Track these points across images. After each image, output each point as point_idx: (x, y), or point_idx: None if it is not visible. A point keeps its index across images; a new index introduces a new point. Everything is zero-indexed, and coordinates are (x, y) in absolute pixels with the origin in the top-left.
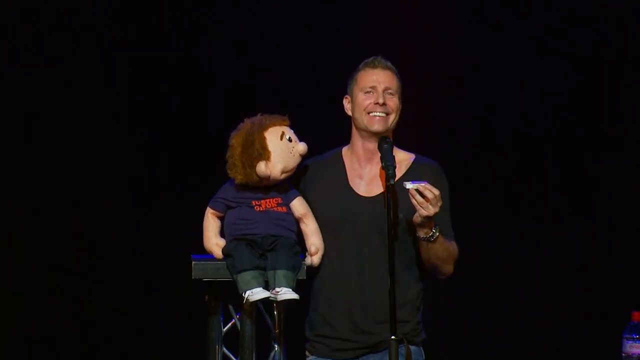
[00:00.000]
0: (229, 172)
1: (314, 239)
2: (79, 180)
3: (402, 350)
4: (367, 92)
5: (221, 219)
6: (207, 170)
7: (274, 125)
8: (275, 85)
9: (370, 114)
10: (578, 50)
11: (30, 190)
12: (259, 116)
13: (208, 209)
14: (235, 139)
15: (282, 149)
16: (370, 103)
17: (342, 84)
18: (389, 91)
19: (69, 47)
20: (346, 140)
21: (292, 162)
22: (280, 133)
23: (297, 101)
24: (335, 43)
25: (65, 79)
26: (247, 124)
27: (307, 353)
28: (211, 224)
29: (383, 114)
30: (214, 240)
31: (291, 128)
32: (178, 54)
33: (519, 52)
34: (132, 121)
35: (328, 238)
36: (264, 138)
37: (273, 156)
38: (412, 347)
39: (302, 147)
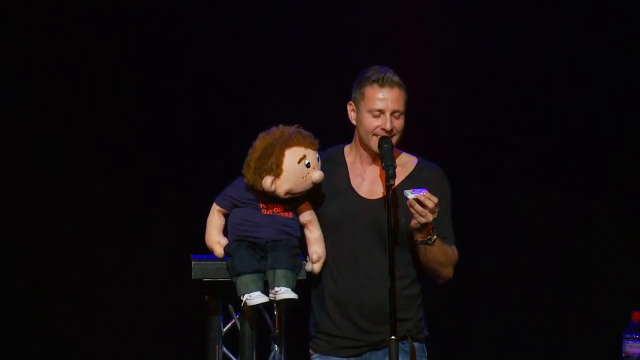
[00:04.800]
0: (243, 167)
1: (316, 247)
2: (78, 179)
3: (406, 347)
4: (375, 115)
5: (226, 216)
6: (208, 169)
7: (299, 145)
8: (276, 84)
9: (376, 137)
10: (581, 45)
11: (28, 190)
12: (293, 128)
13: (214, 205)
14: (259, 142)
15: (295, 172)
16: (377, 127)
17: (344, 81)
18: (396, 114)
19: (65, 45)
20: (347, 136)
21: (302, 186)
22: (301, 156)
23: (298, 98)
24: (335, 42)
25: (65, 78)
26: (277, 132)
27: (310, 351)
28: (216, 220)
29: (389, 137)
30: (216, 238)
31: (317, 152)
32: (179, 52)
33: (520, 51)
34: (133, 120)
35: (328, 238)
36: (283, 155)
37: (283, 175)
38: (415, 344)
39: (317, 175)
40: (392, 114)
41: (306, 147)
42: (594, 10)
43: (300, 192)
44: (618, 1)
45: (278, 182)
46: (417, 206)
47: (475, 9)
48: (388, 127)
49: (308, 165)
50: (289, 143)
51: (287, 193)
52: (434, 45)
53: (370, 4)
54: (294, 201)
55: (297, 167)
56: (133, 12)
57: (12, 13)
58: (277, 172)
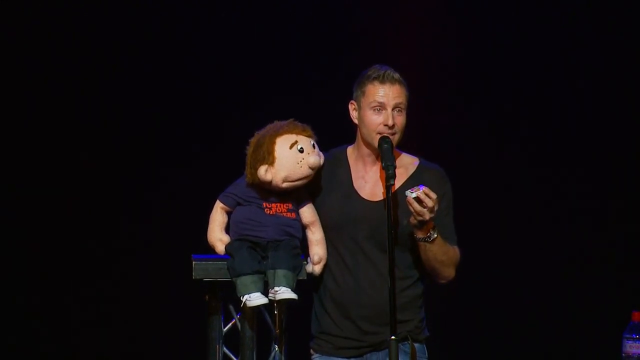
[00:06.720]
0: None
1: (318, 249)
2: (78, 178)
3: (407, 347)
4: (377, 110)
5: (229, 214)
6: (209, 169)
7: (290, 132)
8: (276, 84)
9: (379, 134)
10: (582, 45)
11: (29, 188)
12: (286, 121)
13: (217, 202)
14: (253, 139)
15: (288, 158)
16: (379, 124)
17: (344, 81)
18: (397, 108)
19: (64, 45)
20: (348, 136)
21: (298, 173)
22: (292, 142)
23: (298, 98)
24: (336, 42)
25: (64, 78)
26: (270, 126)
27: (311, 351)
28: (218, 217)
29: (391, 135)
30: (218, 235)
31: (314, 139)
32: (179, 52)
33: (520, 51)
34: (132, 119)
35: (329, 239)
36: (274, 143)
37: (277, 163)
38: (416, 345)
39: (312, 160)
40: (393, 109)
41: (297, 133)
42: (594, 11)
43: (299, 180)
44: (618, 1)
45: (273, 170)
46: (415, 205)
47: (475, 9)
48: (390, 122)
49: (301, 150)
50: (279, 132)
51: (284, 181)
52: (434, 45)
53: (370, 4)
54: (296, 199)
55: (290, 152)
56: (133, 12)
57: (12, 13)
58: (269, 160)
